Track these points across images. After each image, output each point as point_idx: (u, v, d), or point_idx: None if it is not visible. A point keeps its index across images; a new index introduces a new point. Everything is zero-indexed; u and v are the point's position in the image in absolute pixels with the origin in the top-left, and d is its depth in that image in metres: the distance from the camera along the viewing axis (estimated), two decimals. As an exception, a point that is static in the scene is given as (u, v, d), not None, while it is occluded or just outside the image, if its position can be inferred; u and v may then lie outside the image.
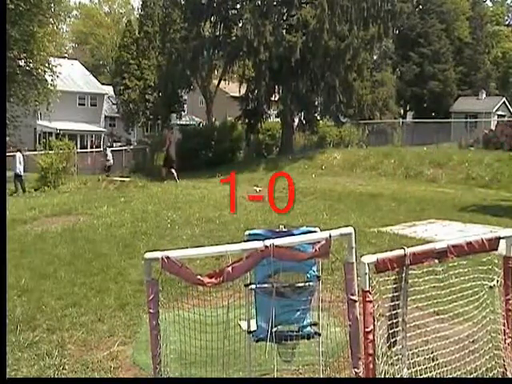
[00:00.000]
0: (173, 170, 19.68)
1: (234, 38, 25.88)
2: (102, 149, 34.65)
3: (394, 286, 2.94)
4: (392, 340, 2.93)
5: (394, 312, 2.92)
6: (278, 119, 30.35)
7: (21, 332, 5.03)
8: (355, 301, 2.93)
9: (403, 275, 2.87)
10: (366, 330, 2.72)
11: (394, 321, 2.91)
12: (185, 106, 44.07)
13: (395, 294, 2.94)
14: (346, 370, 3.62)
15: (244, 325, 3.56)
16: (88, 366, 4.40)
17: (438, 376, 3.07)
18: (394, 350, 2.93)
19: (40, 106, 29.70)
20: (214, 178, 20.95)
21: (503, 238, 3.06)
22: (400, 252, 2.81)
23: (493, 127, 30.76)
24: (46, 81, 28.85)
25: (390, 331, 2.91)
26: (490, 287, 3.15)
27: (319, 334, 3.49)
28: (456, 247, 2.91)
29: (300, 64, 25.30)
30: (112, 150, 32.20)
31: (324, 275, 3.73)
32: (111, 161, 29.81)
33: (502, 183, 18.06)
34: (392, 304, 2.92)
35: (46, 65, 28.87)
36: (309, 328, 3.48)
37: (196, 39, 26.97)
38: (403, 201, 13.19)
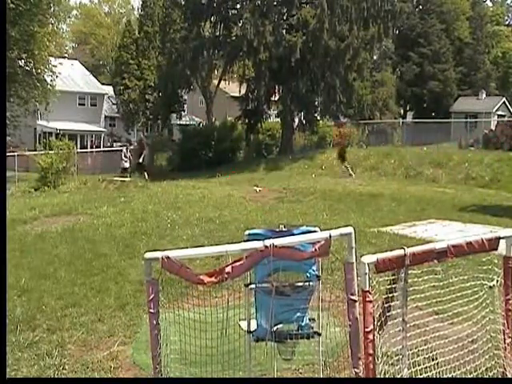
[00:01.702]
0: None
1: (233, 37, 25.90)
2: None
3: (393, 286, 2.93)
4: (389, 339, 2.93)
5: (388, 312, 2.91)
6: (278, 119, 30.36)
7: (21, 332, 5.03)
8: (355, 301, 2.93)
9: (402, 275, 2.87)
10: (366, 330, 2.72)
11: (391, 323, 2.91)
12: (185, 106, 44.07)
13: (390, 295, 2.93)
14: (345, 370, 3.62)
15: (244, 325, 3.56)
16: (88, 366, 4.40)
17: (438, 375, 3.06)
18: (394, 350, 2.93)
19: (40, 105, 29.71)
20: (214, 177, 20.96)
21: (503, 238, 3.06)
22: (400, 252, 2.81)
23: (493, 127, 30.72)
24: (46, 81, 28.85)
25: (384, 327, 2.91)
26: (490, 287, 3.15)
27: (319, 334, 3.49)
28: (456, 247, 2.91)
29: (300, 64, 25.30)
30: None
31: (324, 275, 3.73)
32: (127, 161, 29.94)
33: (501, 183, 18.05)
34: (386, 305, 2.91)
35: (46, 65, 28.86)
36: (308, 326, 3.48)
37: (196, 39, 26.98)
38: (403, 201, 13.17)
